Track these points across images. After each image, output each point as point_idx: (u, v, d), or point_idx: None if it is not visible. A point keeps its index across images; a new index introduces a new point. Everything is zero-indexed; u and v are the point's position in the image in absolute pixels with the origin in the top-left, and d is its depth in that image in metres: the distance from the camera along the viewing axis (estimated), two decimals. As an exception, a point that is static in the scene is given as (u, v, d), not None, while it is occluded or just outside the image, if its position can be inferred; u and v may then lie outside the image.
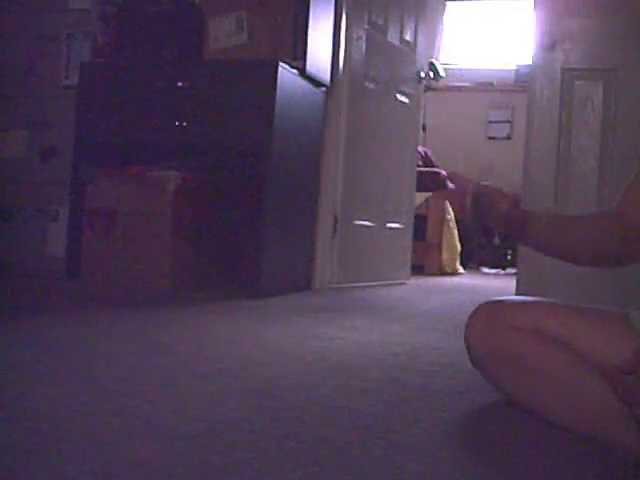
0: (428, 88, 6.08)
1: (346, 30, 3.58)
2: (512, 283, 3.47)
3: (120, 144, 3.30)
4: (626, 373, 1.14)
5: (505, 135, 6.79)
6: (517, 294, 3.09)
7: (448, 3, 7.23)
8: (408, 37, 4.15)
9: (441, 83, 6.70)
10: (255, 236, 3.13)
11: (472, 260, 5.89)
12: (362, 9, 3.71)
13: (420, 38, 4.27)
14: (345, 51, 3.59)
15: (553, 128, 3.23)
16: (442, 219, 5.06)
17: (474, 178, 1.44)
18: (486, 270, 5.82)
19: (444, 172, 5.58)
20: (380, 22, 3.89)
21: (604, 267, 1.50)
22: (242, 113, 3.03)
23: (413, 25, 4.19)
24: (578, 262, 1.49)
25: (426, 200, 5.03)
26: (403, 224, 4.17)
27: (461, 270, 5.28)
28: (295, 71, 3.15)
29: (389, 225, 4.04)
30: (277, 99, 2.98)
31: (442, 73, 6.42)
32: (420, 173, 4.70)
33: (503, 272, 5.67)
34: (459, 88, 6.94)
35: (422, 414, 1.36)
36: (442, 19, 7.19)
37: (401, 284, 4.07)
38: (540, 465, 1.13)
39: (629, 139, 3.04)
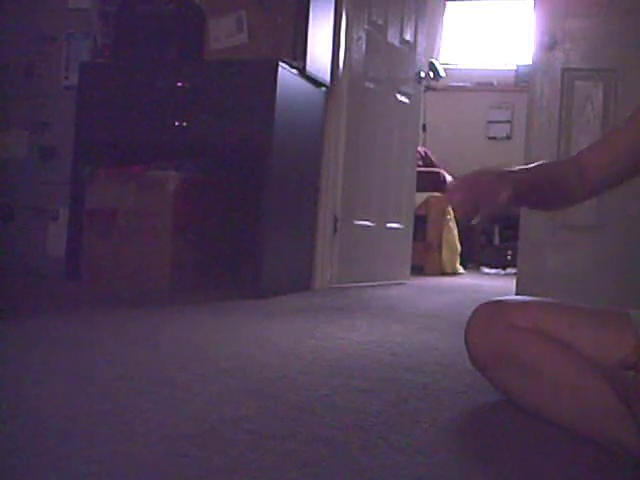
0: (428, 88, 6.08)
1: (346, 30, 3.58)
2: (512, 283, 3.47)
3: (120, 144, 3.30)
4: (627, 369, 1.14)
5: (505, 135, 6.79)
6: (517, 294, 3.09)
7: (448, 3, 7.23)
8: (408, 37, 4.15)
9: (441, 83, 6.70)
10: (255, 236, 3.13)
11: (472, 260, 5.88)
12: (362, 9, 3.71)
13: (420, 38, 4.27)
14: (345, 51, 3.59)
15: (553, 128, 3.24)
16: (442, 219, 5.06)
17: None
18: (486, 270, 5.82)
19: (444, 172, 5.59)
20: (380, 22, 3.89)
21: (566, 206, 1.60)
22: (242, 113, 3.02)
23: (413, 25, 4.18)
24: (549, 207, 1.55)
25: (426, 200, 5.03)
26: (403, 224, 4.17)
27: (461, 270, 5.28)
28: (295, 71, 3.15)
29: (389, 225, 4.04)
30: (277, 99, 2.98)
31: (442, 73, 6.42)
32: (420, 173, 4.69)
33: (503, 272, 5.67)
34: (459, 88, 6.93)
35: (422, 414, 1.36)
36: (442, 19, 7.19)
37: (401, 284, 4.07)
38: (540, 465, 1.13)
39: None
